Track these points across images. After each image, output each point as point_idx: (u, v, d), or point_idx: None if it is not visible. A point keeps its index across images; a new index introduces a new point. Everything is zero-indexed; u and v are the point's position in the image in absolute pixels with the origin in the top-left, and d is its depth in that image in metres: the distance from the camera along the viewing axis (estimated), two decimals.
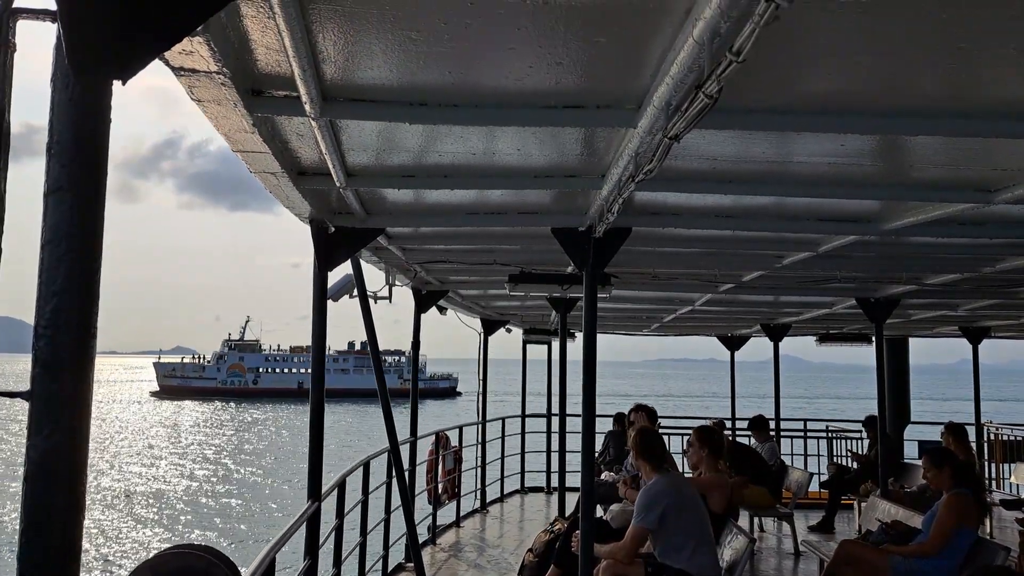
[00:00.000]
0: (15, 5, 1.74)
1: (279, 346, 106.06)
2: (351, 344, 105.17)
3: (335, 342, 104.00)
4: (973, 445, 10.45)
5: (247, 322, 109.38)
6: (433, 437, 10.44)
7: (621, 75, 2.81)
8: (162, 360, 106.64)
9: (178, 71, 2.46)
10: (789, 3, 1.61)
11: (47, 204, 1.47)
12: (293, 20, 2.24)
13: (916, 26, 2.36)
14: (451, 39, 2.52)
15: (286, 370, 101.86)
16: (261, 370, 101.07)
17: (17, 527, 1.42)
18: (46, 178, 1.47)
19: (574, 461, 8.94)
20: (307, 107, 2.91)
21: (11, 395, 1.51)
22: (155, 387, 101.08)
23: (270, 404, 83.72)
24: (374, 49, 2.62)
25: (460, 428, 11.19)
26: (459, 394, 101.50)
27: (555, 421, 12.09)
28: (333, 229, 5.21)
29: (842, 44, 2.49)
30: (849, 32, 2.40)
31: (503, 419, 12.61)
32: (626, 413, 10.71)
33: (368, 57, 2.68)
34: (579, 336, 12.51)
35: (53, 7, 1.48)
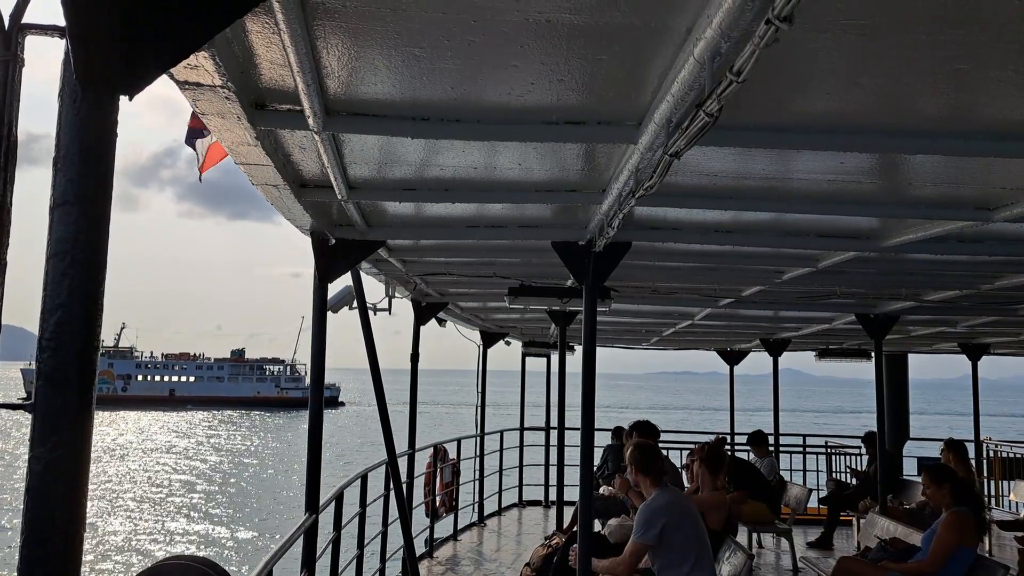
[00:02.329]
0: (24, 21, 1.76)
1: (152, 353, 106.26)
2: (234, 352, 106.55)
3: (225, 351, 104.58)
4: (972, 462, 10.42)
5: (122, 328, 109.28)
6: (431, 450, 10.42)
7: (622, 92, 2.83)
8: (32, 366, 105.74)
9: (183, 85, 2.48)
10: (789, 25, 1.63)
11: (53, 218, 1.48)
12: (298, 36, 2.26)
13: (915, 47, 2.38)
14: (454, 55, 2.54)
15: (159, 377, 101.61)
16: (133, 377, 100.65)
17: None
18: (52, 192, 1.49)
19: (572, 475, 8.92)
20: (310, 121, 2.93)
21: (15, 407, 1.52)
22: (23, 393, 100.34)
23: (138, 411, 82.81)
24: (377, 64, 2.64)
25: (458, 440, 11.17)
26: (341, 404, 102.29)
27: (553, 434, 12.07)
28: (334, 241, 5.22)
29: (842, 64, 2.52)
30: (849, 52, 2.42)
31: (501, 432, 12.59)
32: (625, 428, 10.69)
33: (371, 72, 2.71)
34: (578, 349, 12.52)
35: (62, 23, 1.50)
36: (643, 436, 9.49)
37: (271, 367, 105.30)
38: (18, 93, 1.78)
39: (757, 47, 1.75)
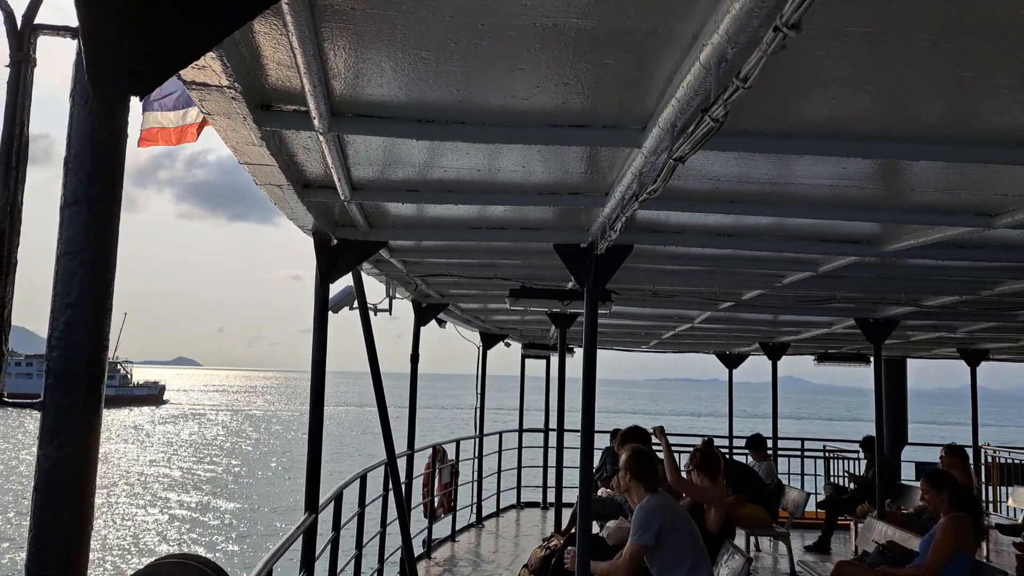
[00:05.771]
0: (36, 21, 1.77)
1: None
2: None
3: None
4: (971, 467, 10.42)
5: None
6: (430, 450, 10.42)
7: (628, 96, 2.84)
8: None
9: (190, 85, 2.50)
10: (796, 32, 1.63)
11: (63, 217, 1.49)
12: (306, 37, 2.27)
13: (919, 55, 2.39)
14: (460, 58, 2.55)
15: None
16: None
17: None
18: (63, 191, 1.49)
19: (571, 476, 8.93)
20: (316, 122, 2.94)
21: (24, 405, 1.53)
22: None
23: None
24: (384, 66, 2.65)
25: (457, 442, 11.17)
26: (165, 402, 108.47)
27: (552, 436, 12.07)
28: (336, 241, 5.23)
29: (846, 71, 2.53)
30: (853, 59, 2.43)
31: (500, 433, 12.59)
32: (622, 430, 10.68)
33: (378, 74, 2.72)
34: (578, 352, 12.52)
35: (74, 24, 1.50)
36: (634, 442, 9.51)
37: None
38: (30, 93, 1.79)
39: (764, 54, 1.76)
